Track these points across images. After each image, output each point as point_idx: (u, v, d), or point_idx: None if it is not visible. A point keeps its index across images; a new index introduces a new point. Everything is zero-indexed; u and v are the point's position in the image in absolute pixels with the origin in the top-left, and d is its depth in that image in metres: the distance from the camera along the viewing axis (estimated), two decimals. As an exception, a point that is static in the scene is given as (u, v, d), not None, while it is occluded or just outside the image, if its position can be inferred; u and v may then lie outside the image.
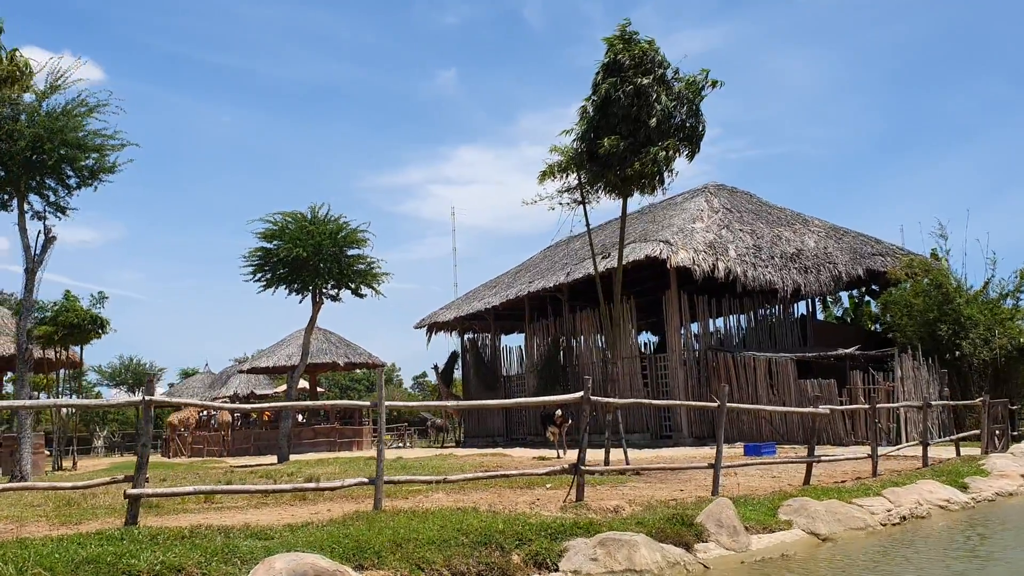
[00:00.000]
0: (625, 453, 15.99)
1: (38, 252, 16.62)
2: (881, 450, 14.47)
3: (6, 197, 16.45)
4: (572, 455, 23.15)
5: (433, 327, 39.70)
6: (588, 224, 16.37)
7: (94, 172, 17.08)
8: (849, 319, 33.48)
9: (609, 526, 7.85)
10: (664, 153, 14.78)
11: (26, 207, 16.68)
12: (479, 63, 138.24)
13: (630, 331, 29.29)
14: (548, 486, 11.70)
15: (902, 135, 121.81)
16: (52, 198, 16.87)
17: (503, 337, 38.52)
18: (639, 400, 14.87)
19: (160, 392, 64.00)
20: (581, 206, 16.45)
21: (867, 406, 16.96)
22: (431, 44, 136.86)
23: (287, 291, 27.43)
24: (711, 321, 29.22)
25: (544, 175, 16.34)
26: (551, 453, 21.43)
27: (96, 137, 17.03)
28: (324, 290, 27.53)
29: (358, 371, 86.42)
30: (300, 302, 27.76)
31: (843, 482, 12.47)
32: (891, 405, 17.84)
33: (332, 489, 8.44)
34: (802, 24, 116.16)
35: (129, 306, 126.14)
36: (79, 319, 30.26)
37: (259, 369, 42.71)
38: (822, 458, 12.44)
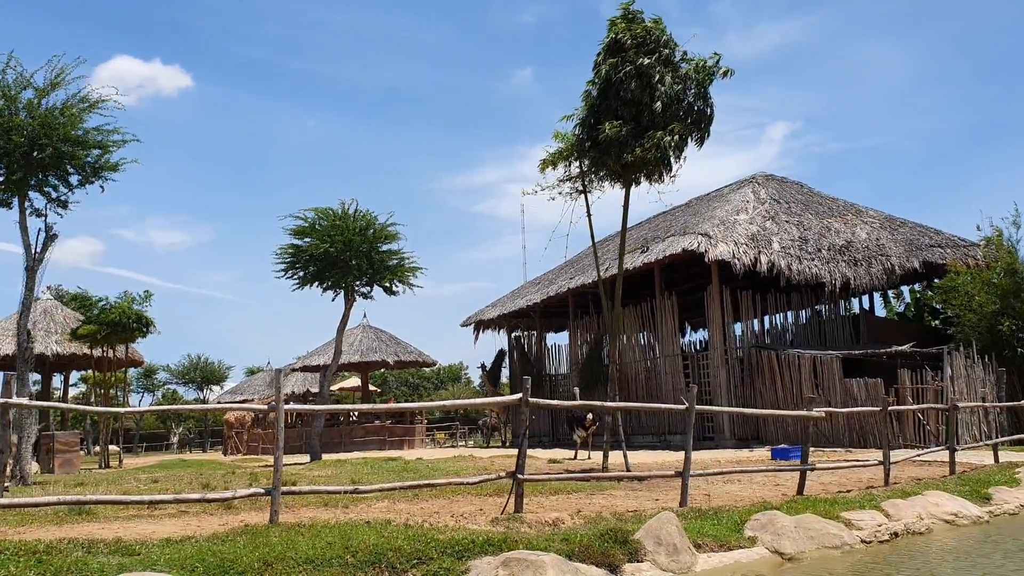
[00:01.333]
0: (625, 457, 15.08)
1: (38, 250, 16.55)
2: (900, 454, 13.31)
3: (7, 195, 16.41)
4: (597, 457, 22.38)
5: (480, 325, 39.11)
6: (589, 214, 15.51)
7: (96, 169, 16.94)
8: (911, 315, 31.69)
9: (528, 543, 7.08)
10: (668, 138, 13.78)
11: (27, 204, 16.62)
12: (555, 61, 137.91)
13: (672, 329, 28.23)
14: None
15: (991, 127, 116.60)
16: (54, 195, 16.78)
17: (550, 335, 37.71)
18: (590, 403, 13.94)
19: (223, 390, 64.93)
20: (583, 196, 15.54)
21: (877, 408, 15.80)
22: (507, 44, 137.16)
23: (320, 289, 27.21)
24: (755, 319, 27.87)
25: (545, 163, 15.49)
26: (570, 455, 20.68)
27: (97, 133, 16.89)
28: (356, 287, 27.22)
29: (426, 369, 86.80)
30: (333, 300, 27.53)
31: (848, 491, 11.41)
32: (905, 408, 16.50)
33: (222, 500, 7.85)
34: (886, 14, 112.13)
35: (216, 306, 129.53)
36: (123, 318, 30.54)
37: (309, 368, 42.76)
38: (816, 465, 11.37)
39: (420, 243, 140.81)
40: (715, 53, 14.42)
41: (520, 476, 8.55)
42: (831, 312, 28.85)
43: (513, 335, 38.03)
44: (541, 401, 9.69)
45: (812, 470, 11.08)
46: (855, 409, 16.06)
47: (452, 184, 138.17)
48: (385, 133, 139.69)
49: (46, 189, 16.51)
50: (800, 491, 10.77)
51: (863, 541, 8.77)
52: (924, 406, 17.83)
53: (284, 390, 33.64)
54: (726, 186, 31.49)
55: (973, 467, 14.34)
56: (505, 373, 39.30)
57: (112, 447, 57.79)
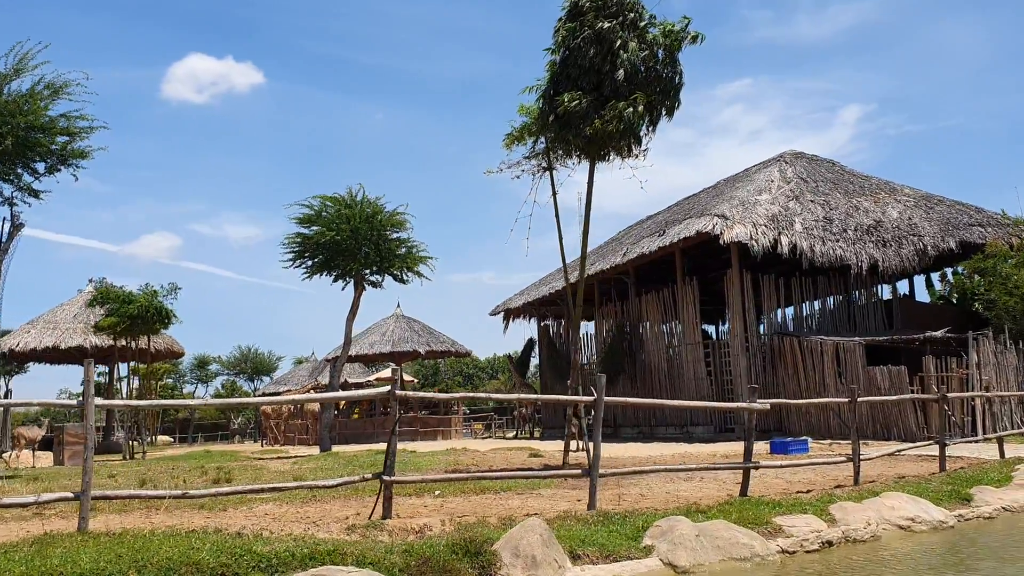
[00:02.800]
0: (587, 452, 14.07)
1: (4, 239, 16.27)
2: (875, 448, 12.15)
3: None
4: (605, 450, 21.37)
5: (509, 314, 38.28)
6: (555, 192, 14.47)
7: (63, 156, 16.57)
8: (955, 299, 29.87)
9: (359, 556, 6.25)
10: (631, 108, 12.72)
11: (-7, 194, 16.34)
12: None
13: (693, 316, 27.01)
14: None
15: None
16: (21, 184, 16.46)
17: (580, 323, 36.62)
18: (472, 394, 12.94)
19: (271, 380, 65.21)
20: (548, 173, 14.55)
21: (859, 399, 14.62)
22: None
23: (330, 278, 26.65)
24: (779, 305, 26.44)
25: (510, 139, 14.50)
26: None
27: (64, 120, 16.51)
28: (365, 275, 26.60)
29: (482, 358, 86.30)
30: (343, 289, 26.96)
31: (808, 492, 10.31)
32: (917, 397, 15.01)
33: (23, 505, 7.17)
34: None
35: (288, 298, 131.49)
36: (140, 311, 30.49)
37: (329, 359, 42.46)
38: (760, 464, 10.26)
39: (487, 232, 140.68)
40: (684, 17, 13.31)
41: (387, 478, 7.72)
42: (864, 297, 27.25)
43: (543, 324, 37.09)
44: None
45: (756, 468, 9.99)
46: (864, 399, 14.49)
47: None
48: (453, 124, 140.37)
49: (10, 178, 16.17)
50: (743, 492, 9.72)
51: (784, 551, 7.73)
52: (924, 396, 16.45)
53: (324, 380, 33.51)
54: (754, 166, 30.09)
55: (975, 463, 13.04)
56: (536, 363, 38.49)
57: (164, 437, 58.63)
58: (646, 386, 28.70)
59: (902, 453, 14.17)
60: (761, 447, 18.51)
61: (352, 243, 25.29)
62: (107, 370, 48.24)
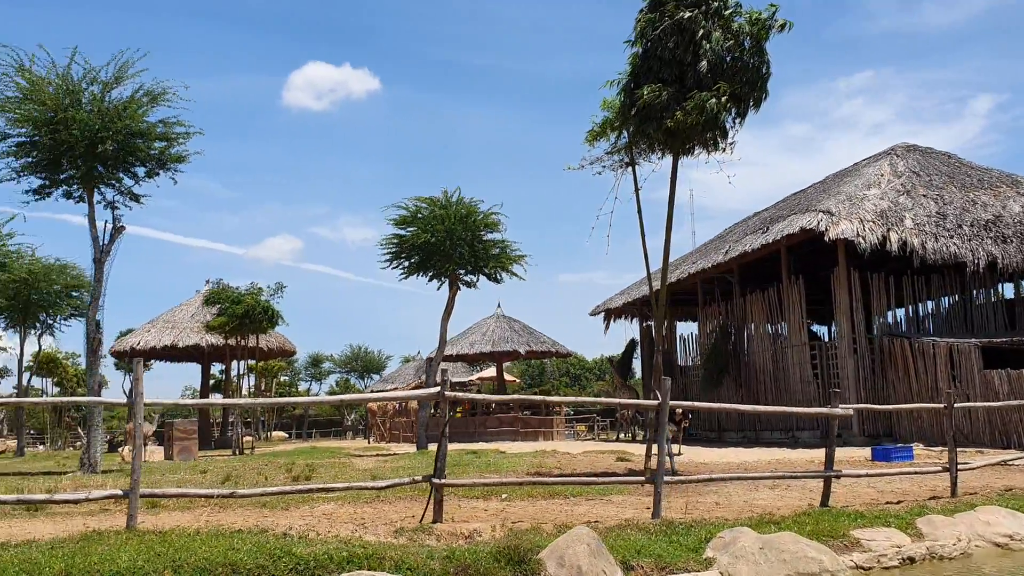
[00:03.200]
0: (671, 458, 13.63)
1: (106, 241, 16.87)
2: (983, 458, 11.32)
3: (75, 188, 16.82)
4: (688, 452, 20.85)
5: (609, 314, 37.77)
6: (637, 188, 14.06)
7: (161, 161, 17.11)
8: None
9: (397, 561, 6.09)
10: (713, 99, 12.22)
11: (97, 197, 16.98)
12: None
13: (799, 316, 25.99)
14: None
15: None
16: (123, 188, 17.07)
17: (682, 324, 35.89)
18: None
19: (379, 378, 66.26)
20: (630, 168, 14.13)
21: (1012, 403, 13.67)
22: None
23: (425, 278, 26.85)
24: (891, 305, 25.13)
25: (592, 135, 14.16)
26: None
27: (161, 126, 17.04)
28: (460, 276, 26.68)
29: (590, 359, 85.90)
30: (438, 289, 27.13)
31: (898, 503, 9.64)
32: (999, 403, 13.98)
33: (73, 502, 7.22)
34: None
35: (400, 298, 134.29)
36: (249, 310, 31.44)
37: (443, 357, 42.74)
38: (842, 473, 9.61)
39: (600, 231, 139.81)
40: (771, 4, 12.72)
41: (437, 481, 7.53)
42: (984, 296, 25.66)
43: (645, 324, 36.46)
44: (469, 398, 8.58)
45: (838, 476, 9.38)
46: (973, 405, 13.53)
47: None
48: (565, 124, 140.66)
49: (111, 182, 16.78)
50: (824, 502, 9.14)
51: (858, 567, 7.20)
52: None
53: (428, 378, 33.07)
54: (864, 160, 28.79)
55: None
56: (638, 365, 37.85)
57: (280, 433, 60.28)
58: (750, 389, 27.82)
59: (1014, 463, 13.20)
60: (863, 454, 17.69)
61: (447, 244, 25.41)
62: (223, 368, 49.86)
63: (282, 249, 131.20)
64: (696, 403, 10.81)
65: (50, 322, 33.85)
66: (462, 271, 26.56)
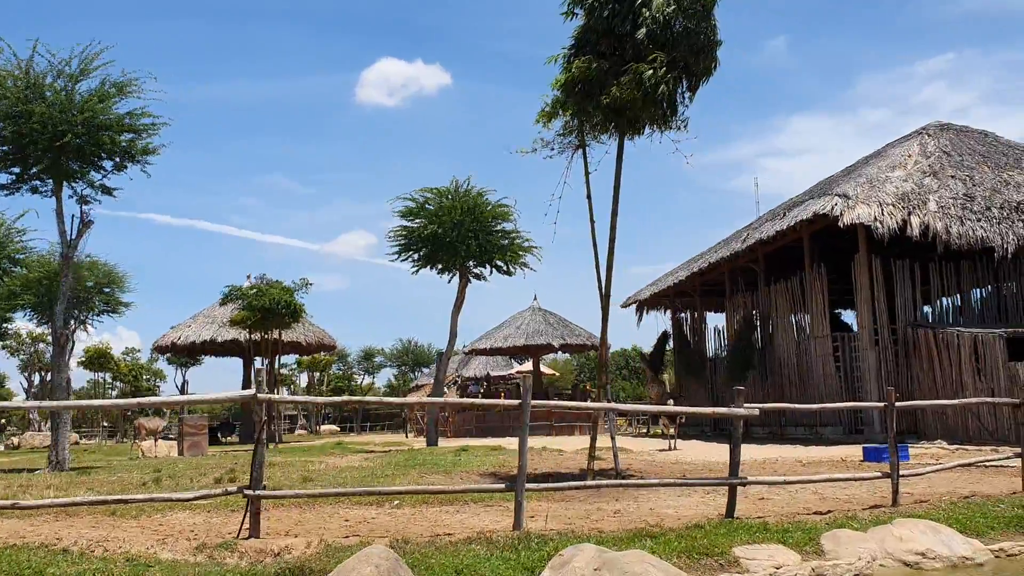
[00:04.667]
0: (615, 458, 12.79)
1: (73, 236, 16.69)
2: (957, 458, 10.29)
3: (43, 183, 16.66)
4: (686, 449, 19.90)
5: (641, 306, 36.73)
6: (587, 172, 13.18)
7: (130, 154, 16.83)
8: None
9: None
10: (651, 71, 11.29)
11: (68, 192, 16.80)
12: (811, 27, 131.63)
13: (822, 307, 24.68)
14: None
15: None
16: (92, 181, 16.84)
17: (711, 315, 34.62)
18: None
19: (427, 372, 66.07)
20: (580, 151, 13.22)
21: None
22: (758, 14, 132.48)
23: (435, 271, 26.26)
24: (916, 294, 23.58)
25: (543, 116, 13.27)
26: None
27: (128, 118, 16.76)
28: (470, 268, 26.02)
29: (631, 350, 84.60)
30: (449, 281, 26.52)
31: (825, 513, 8.69)
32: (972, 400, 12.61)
33: None
34: None
35: (475, 292, 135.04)
36: (271, 304, 31.25)
37: (478, 351, 42.29)
38: (747, 480, 8.61)
39: (671, 223, 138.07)
40: (718, -34, 11.73)
41: (250, 493, 6.88)
42: (1018, 284, 23.95)
43: (676, 316, 35.31)
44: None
45: (743, 484, 8.42)
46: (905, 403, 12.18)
47: (701, 161, 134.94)
48: None
49: (79, 176, 16.56)
50: (729, 512, 8.23)
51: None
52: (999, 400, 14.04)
53: (467, 373, 33.50)
54: (896, 140, 27.22)
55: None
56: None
57: (330, 426, 60.45)
58: (776, 383, 26.61)
59: (1003, 465, 12.02)
60: (856, 452, 16.60)
61: (454, 235, 24.76)
62: (265, 363, 50.02)
63: (356, 244, 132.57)
64: (625, 405, 9.89)
65: (83, 318, 34.25)
66: (472, 263, 25.90)
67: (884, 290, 22.78)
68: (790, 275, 26.55)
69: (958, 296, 24.08)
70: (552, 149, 13.29)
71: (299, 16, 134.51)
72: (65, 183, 16.69)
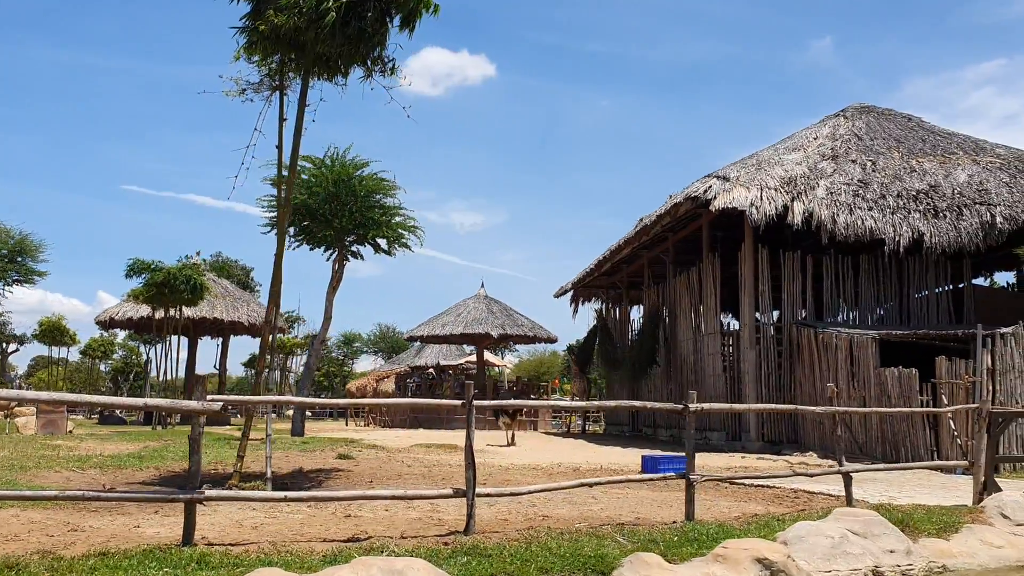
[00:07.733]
0: (268, 462, 10.97)
1: None
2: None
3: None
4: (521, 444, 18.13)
5: (577, 296, 34.77)
6: (282, 118, 11.38)
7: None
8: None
9: None
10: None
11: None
12: (858, 28, 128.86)
13: (714, 301, 22.61)
14: None
15: None
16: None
17: (636, 309, 32.56)
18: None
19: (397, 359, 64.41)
20: (279, 94, 11.39)
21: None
22: (804, 13, 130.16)
23: (311, 247, 24.52)
24: (805, 288, 21.35)
25: (241, 52, 11.25)
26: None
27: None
28: (347, 245, 24.25)
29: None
30: (328, 260, 24.75)
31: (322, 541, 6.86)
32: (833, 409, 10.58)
33: None
34: None
35: (506, 283, 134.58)
36: (169, 279, 29.81)
37: (417, 337, 40.62)
38: (204, 496, 6.73)
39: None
40: None
41: None
42: (919, 283, 21.56)
43: (603, 309, 33.36)
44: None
45: (201, 501, 6.56)
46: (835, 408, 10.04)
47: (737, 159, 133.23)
48: (677, 110, 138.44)
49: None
50: (186, 538, 6.36)
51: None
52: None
53: (419, 362, 32.43)
54: (815, 123, 24.95)
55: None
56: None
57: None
58: (677, 380, 24.65)
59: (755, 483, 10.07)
60: (634, 461, 14.75)
61: (327, 208, 23.01)
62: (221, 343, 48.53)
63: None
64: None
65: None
66: (349, 239, 24.15)
67: (770, 284, 20.75)
68: (692, 267, 24.55)
69: (860, 294, 21.74)
70: (252, 91, 11.42)
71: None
72: None
